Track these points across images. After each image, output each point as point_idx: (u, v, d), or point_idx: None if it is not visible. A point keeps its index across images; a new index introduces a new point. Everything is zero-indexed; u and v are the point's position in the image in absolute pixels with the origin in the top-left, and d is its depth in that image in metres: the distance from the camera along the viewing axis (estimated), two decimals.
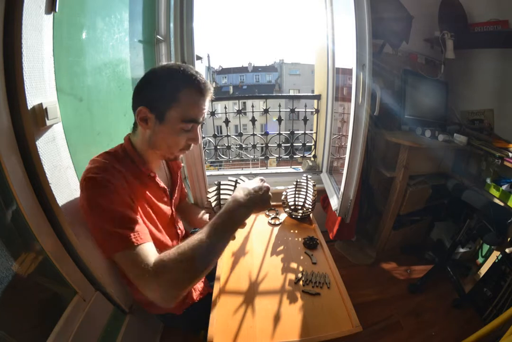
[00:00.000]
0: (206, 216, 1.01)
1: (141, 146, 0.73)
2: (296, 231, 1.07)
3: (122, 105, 1.03)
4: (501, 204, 1.35)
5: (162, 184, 0.79)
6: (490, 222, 1.26)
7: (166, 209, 0.81)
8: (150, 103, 0.65)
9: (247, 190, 0.68)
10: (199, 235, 0.58)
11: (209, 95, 0.69)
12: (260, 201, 0.67)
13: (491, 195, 1.43)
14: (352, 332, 0.67)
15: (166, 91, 0.64)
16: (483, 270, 1.41)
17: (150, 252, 0.58)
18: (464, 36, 1.60)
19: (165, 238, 0.80)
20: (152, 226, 0.74)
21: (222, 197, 0.85)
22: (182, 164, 0.93)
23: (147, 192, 0.74)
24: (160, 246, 0.77)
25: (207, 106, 0.70)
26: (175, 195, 0.87)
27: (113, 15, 0.94)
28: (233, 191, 0.84)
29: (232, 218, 0.61)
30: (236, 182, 0.87)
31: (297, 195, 1.16)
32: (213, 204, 0.84)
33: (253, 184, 0.71)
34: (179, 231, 0.88)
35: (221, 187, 0.87)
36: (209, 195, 0.85)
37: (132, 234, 0.57)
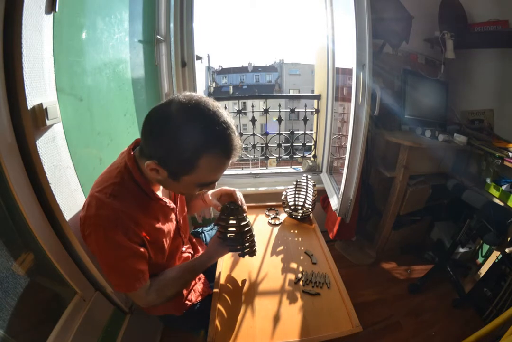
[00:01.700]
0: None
1: (147, 174, 0.64)
2: (296, 231, 1.07)
3: (122, 105, 1.03)
4: (501, 204, 1.35)
5: (172, 205, 0.77)
6: (490, 222, 1.26)
7: (173, 224, 0.80)
8: (164, 161, 0.56)
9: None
10: (182, 268, 0.77)
11: (236, 156, 0.59)
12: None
13: (491, 195, 1.43)
14: (352, 332, 0.67)
15: (184, 157, 0.54)
16: (483, 270, 1.41)
17: (146, 288, 0.69)
18: (464, 36, 1.60)
19: (172, 248, 0.81)
20: (161, 244, 0.74)
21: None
22: None
23: (158, 219, 0.72)
24: (168, 255, 0.79)
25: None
26: (178, 206, 0.83)
27: (113, 15, 0.94)
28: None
29: (211, 258, 0.79)
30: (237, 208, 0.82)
31: (297, 195, 1.16)
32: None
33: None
34: (184, 240, 0.89)
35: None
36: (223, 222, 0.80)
37: (133, 284, 0.65)
